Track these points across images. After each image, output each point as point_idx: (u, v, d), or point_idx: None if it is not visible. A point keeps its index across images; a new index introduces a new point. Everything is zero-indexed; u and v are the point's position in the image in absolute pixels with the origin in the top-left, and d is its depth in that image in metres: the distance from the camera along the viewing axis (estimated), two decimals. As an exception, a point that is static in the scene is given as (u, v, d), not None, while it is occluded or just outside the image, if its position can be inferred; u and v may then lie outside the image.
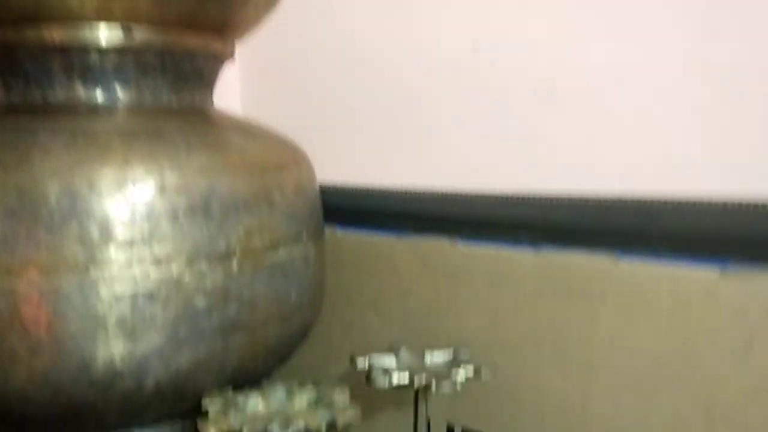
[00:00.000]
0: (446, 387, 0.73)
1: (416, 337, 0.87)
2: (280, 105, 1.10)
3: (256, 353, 0.67)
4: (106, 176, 0.58)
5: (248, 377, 0.69)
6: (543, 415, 0.80)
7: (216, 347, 0.63)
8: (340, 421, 0.56)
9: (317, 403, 0.62)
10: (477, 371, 0.73)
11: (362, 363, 0.74)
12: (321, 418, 0.56)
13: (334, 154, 1.00)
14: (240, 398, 0.58)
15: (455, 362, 0.73)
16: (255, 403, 0.59)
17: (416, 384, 0.71)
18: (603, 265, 0.74)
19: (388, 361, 0.74)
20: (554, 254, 0.78)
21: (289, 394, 0.62)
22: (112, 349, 0.58)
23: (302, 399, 0.63)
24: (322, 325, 0.93)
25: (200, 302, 0.61)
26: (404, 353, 0.76)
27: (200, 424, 0.54)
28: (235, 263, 0.63)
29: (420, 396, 0.76)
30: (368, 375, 0.72)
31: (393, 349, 0.78)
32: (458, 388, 0.72)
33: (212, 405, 0.56)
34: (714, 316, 0.68)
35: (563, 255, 0.77)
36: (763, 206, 0.66)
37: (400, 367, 0.73)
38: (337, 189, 0.95)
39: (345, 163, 0.99)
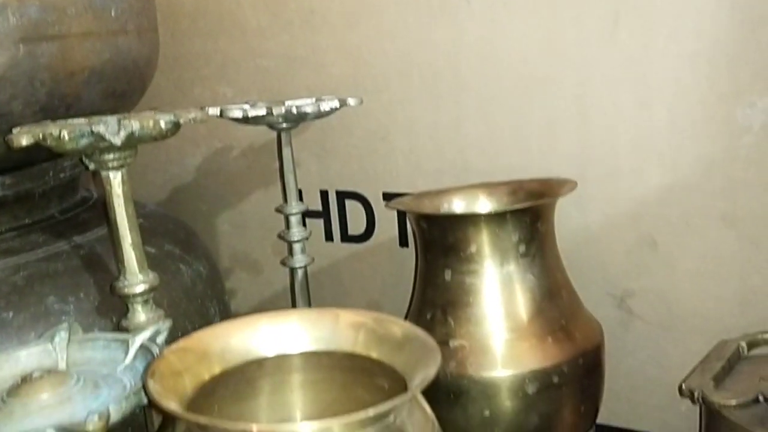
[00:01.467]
0: (312, 116, 0.66)
1: (276, 97, 0.79)
2: None
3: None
4: None
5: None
6: (418, 154, 0.76)
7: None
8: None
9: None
10: (342, 102, 0.67)
11: (214, 111, 0.65)
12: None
13: None
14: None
15: (318, 102, 0.66)
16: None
17: (276, 113, 0.64)
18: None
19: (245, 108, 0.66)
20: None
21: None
22: None
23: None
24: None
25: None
26: (262, 103, 0.68)
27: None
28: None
29: (283, 139, 0.69)
30: (222, 112, 0.63)
31: (249, 102, 0.70)
32: (323, 116, 0.66)
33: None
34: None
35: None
36: None
37: (257, 108, 0.65)
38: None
39: None
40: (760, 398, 0.50)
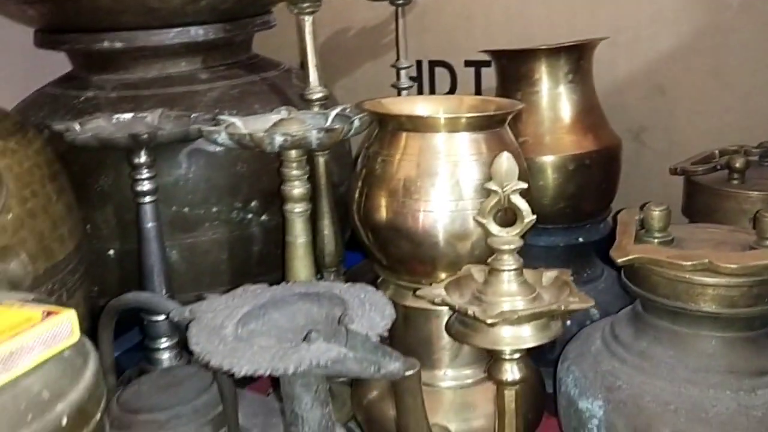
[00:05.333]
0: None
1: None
2: None
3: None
4: None
5: None
6: (492, 29, 1.05)
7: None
8: None
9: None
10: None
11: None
12: None
13: None
14: None
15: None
16: None
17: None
18: None
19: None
20: None
21: None
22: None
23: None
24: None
25: None
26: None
27: None
28: None
29: (400, 12, 0.97)
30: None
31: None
32: None
33: None
34: None
35: None
36: None
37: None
38: None
39: None
40: (718, 167, 0.78)
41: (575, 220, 0.87)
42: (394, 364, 0.43)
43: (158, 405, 0.61)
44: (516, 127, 0.85)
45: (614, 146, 0.87)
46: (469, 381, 0.69)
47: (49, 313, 0.41)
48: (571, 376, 0.63)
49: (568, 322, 0.78)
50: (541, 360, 0.72)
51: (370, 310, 0.48)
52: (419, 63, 1.11)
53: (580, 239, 0.87)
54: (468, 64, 1.07)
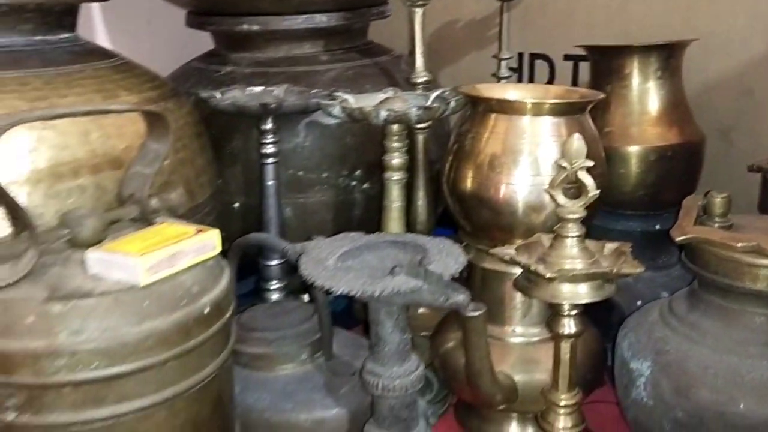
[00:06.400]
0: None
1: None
2: None
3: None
4: None
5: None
6: (593, 26, 1.11)
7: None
8: None
9: None
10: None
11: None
12: None
13: None
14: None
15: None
16: None
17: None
18: None
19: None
20: None
21: None
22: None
23: None
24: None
25: None
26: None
27: None
28: None
29: (505, 8, 1.05)
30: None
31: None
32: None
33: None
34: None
35: None
36: None
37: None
38: None
39: None
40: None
41: (654, 209, 0.93)
42: (460, 296, 0.53)
43: (269, 327, 0.73)
44: (604, 118, 0.92)
45: (697, 141, 0.92)
46: (535, 339, 0.77)
47: (199, 231, 0.53)
48: (626, 341, 0.70)
49: (639, 302, 0.85)
50: (608, 336, 0.79)
51: (446, 256, 0.58)
52: (520, 55, 1.19)
53: (657, 227, 0.93)
54: (567, 57, 1.14)
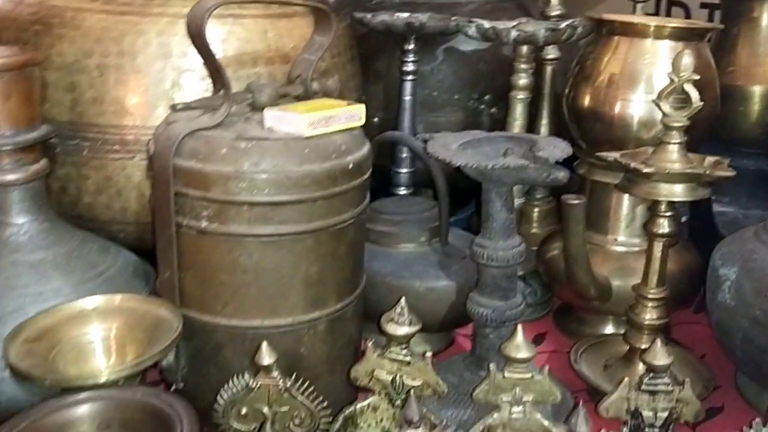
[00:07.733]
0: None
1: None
2: None
3: None
4: None
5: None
6: None
7: None
8: None
9: None
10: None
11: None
12: None
13: None
14: None
15: None
16: None
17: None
18: None
19: None
20: None
21: None
22: None
23: None
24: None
25: None
26: None
27: None
28: None
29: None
30: None
31: None
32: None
33: None
34: None
35: None
36: None
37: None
38: None
39: None
40: None
41: (770, 148, 0.96)
42: (560, 173, 0.62)
43: (395, 212, 0.86)
44: (728, 58, 0.96)
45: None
46: (636, 249, 0.84)
47: (349, 104, 0.66)
48: (719, 253, 0.76)
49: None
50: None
51: (554, 146, 0.67)
52: (657, 1, 1.22)
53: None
54: (703, 6, 1.16)
